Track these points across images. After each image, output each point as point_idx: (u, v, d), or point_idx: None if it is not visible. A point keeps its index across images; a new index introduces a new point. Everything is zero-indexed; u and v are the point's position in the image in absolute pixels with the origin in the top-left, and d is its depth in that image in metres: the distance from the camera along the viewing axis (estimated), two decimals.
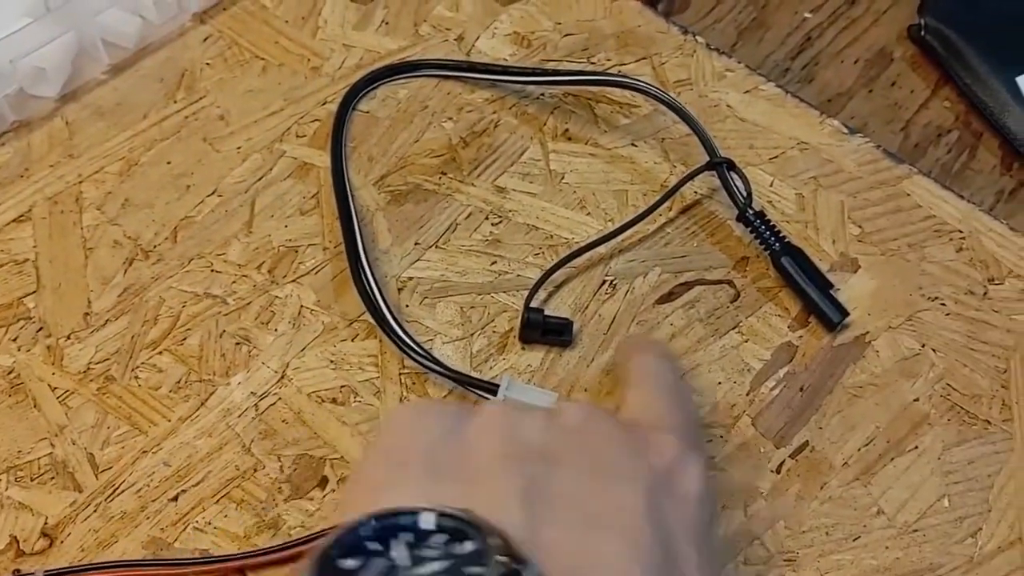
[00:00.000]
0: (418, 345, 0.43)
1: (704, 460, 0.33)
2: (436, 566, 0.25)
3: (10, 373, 0.42)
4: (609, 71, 0.52)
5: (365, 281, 0.44)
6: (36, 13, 0.51)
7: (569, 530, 0.29)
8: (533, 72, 0.51)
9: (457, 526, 0.26)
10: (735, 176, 0.46)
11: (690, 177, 0.47)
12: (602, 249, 0.46)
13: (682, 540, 0.30)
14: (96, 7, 0.51)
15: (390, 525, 0.26)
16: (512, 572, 0.25)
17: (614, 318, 0.45)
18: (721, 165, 0.46)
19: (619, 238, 0.46)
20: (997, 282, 0.46)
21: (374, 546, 0.26)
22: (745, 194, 0.46)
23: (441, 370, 0.42)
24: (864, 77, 0.55)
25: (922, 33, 0.55)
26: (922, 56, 0.56)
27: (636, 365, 0.39)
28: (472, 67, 0.52)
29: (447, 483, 0.30)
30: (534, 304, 0.44)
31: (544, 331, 0.43)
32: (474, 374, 0.43)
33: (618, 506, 0.30)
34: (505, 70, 0.51)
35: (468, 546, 0.26)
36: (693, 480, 0.32)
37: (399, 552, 0.26)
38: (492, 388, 0.41)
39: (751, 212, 0.45)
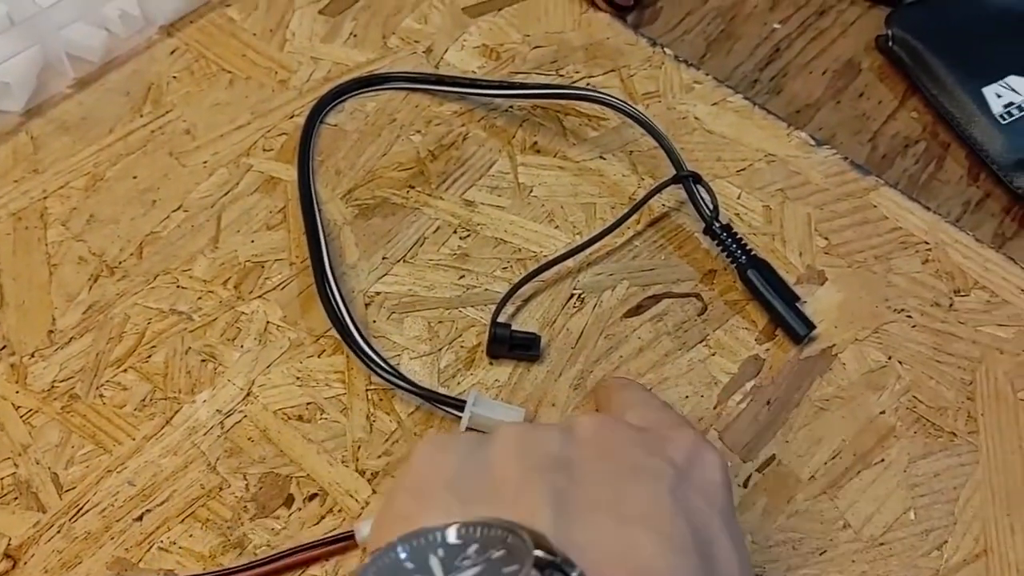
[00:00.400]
0: (385, 361, 0.42)
1: (717, 449, 0.34)
2: (472, 571, 0.25)
3: None
4: (577, 84, 0.52)
5: (331, 296, 0.44)
6: (0, 27, 0.51)
7: (602, 530, 0.29)
8: (501, 85, 0.51)
9: (487, 534, 0.26)
10: (701, 189, 0.46)
11: (657, 191, 0.47)
12: (570, 263, 0.46)
13: (712, 526, 0.31)
14: (61, 21, 0.51)
15: (421, 544, 0.26)
16: (549, 563, 0.25)
17: (582, 332, 0.45)
18: (687, 179, 0.46)
19: (587, 251, 0.46)
20: (963, 294, 0.46)
21: (410, 565, 0.26)
22: (712, 207, 0.46)
23: (408, 386, 0.42)
24: (832, 88, 0.55)
25: (890, 44, 0.56)
26: (890, 67, 0.56)
27: (621, 397, 0.39)
28: (440, 80, 0.52)
29: (475, 504, 0.30)
30: (502, 318, 0.44)
31: (511, 346, 0.43)
32: (441, 390, 0.42)
33: (646, 502, 0.30)
34: (473, 83, 0.51)
35: (501, 550, 0.26)
36: (713, 468, 0.33)
37: (435, 566, 0.26)
38: (459, 404, 0.41)
39: (718, 225, 0.45)
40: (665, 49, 0.55)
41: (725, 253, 0.45)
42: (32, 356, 0.43)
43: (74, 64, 0.52)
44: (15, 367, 0.43)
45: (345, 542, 0.38)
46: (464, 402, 0.41)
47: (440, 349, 0.44)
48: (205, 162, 0.49)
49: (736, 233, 0.45)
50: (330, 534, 0.39)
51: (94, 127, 0.50)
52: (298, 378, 0.43)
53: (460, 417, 0.41)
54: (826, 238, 0.48)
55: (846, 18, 0.58)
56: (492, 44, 0.55)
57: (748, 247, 0.45)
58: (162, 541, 0.39)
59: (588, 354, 0.44)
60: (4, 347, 0.43)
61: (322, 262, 0.45)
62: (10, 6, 0.51)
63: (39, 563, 0.38)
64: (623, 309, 0.45)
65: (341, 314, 0.43)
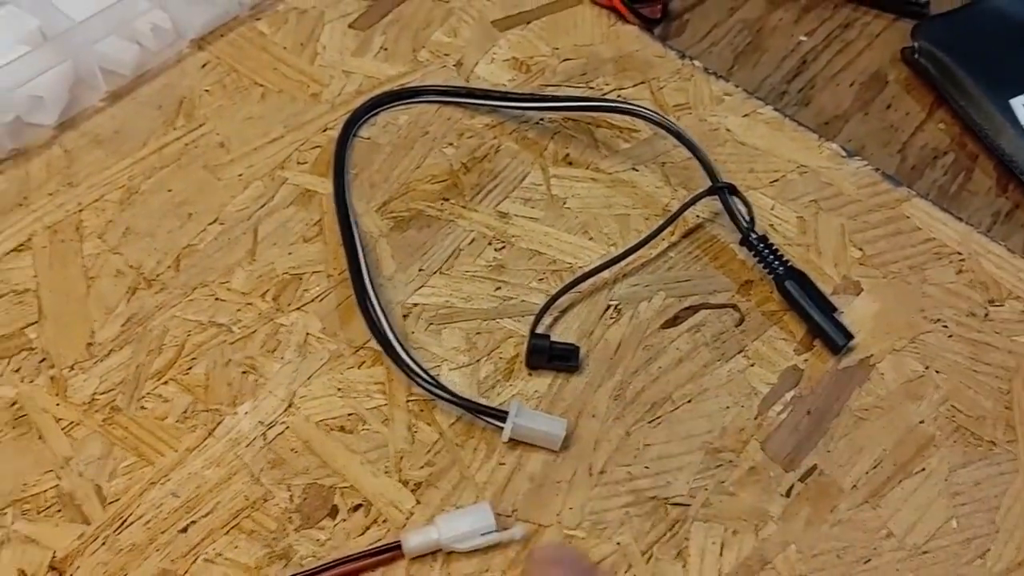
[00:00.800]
0: (426, 372, 0.42)
1: None
2: None
3: (13, 405, 0.42)
4: (608, 96, 0.53)
5: (371, 308, 0.44)
6: (33, 42, 0.51)
7: None
8: (533, 98, 0.51)
9: None
10: (737, 200, 0.47)
11: (693, 202, 0.47)
12: (606, 274, 0.46)
13: None
14: (93, 35, 0.51)
15: None
16: None
17: (620, 343, 0.45)
18: (723, 190, 0.47)
19: (622, 263, 0.47)
20: (997, 304, 0.46)
21: None
22: (748, 218, 0.46)
23: (449, 397, 0.42)
24: (860, 100, 0.55)
25: (916, 56, 0.56)
26: (916, 79, 0.56)
27: None
28: (472, 93, 0.52)
29: None
30: (539, 329, 0.44)
31: (551, 357, 0.43)
32: (482, 400, 0.42)
33: None
34: (505, 96, 0.52)
35: None
36: None
37: None
38: (501, 415, 0.41)
39: (754, 236, 0.46)
40: (694, 61, 0.55)
41: (762, 264, 0.46)
42: (72, 368, 0.43)
43: (106, 78, 0.52)
44: (55, 380, 0.43)
45: (392, 552, 0.38)
46: (506, 412, 0.41)
47: (479, 360, 0.44)
48: (240, 175, 0.50)
49: (772, 244, 0.46)
50: (376, 545, 0.39)
51: (127, 140, 0.51)
52: (339, 389, 0.43)
53: (502, 428, 0.41)
54: (860, 249, 0.48)
55: (871, 30, 0.59)
56: (522, 57, 0.55)
57: (785, 258, 0.45)
58: (207, 553, 0.39)
59: (627, 365, 0.44)
60: (43, 360, 0.43)
61: (360, 274, 0.45)
62: (43, 21, 0.52)
63: (85, 575, 0.38)
64: (660, 320, 0.45)
65: (381, 326, 0.43)
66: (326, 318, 0.45)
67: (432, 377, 0.42)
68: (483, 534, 0.38)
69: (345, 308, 0.45)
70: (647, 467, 0.41)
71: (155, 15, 0.53)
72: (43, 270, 0.46)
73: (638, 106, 0.49)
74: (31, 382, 0.43)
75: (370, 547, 0.38)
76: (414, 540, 0.38)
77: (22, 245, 0.47)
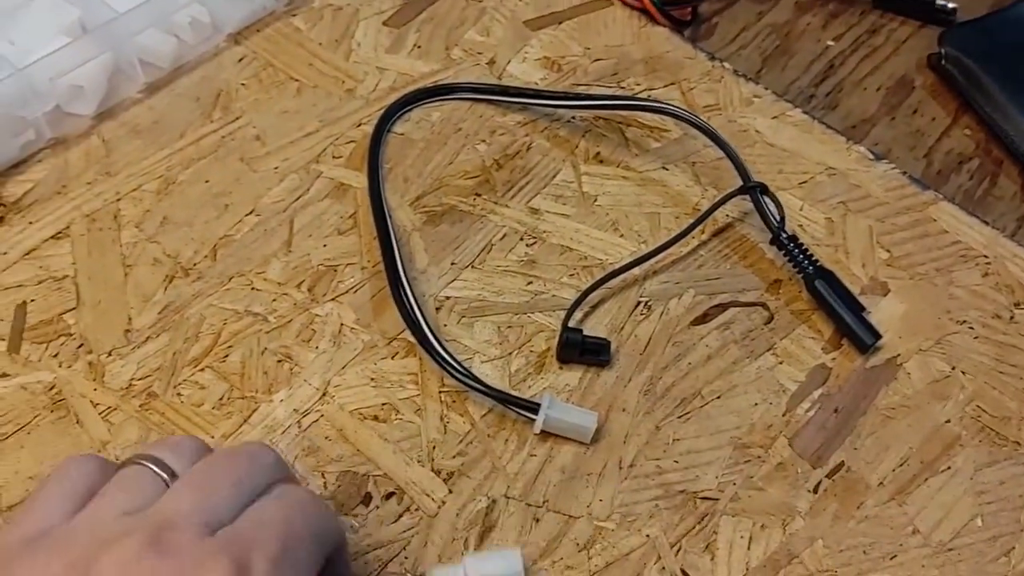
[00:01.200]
0: (459, 363, 0.43)
1: None
2: None
3: (52, 389, 0.43)
4: (639, 95, 0.53)
5: (406, 300, 0.44)
6: (73, 32, 0.52)
7: None
8: (567, 96, 0.52)
9: None
10: (767, 200, 0.47)
11: (724, 200, 0.47)
12: (636, 270, 0.47)
13: None
14: (134, 28, 0.52)
15: None
16: None
17: (650, 339, 0.45)
18: (755, 189, 0.47)
19: (653, 260, 0.47)
20: (1023, 307, 0.47)
21: None
22: (779, 218, 0.47)
23: (482, 388, 0.42)
24: (886, 104, 0.56)
25: (942, 62, 0.57)
26: (942, 84, 0.57)
27: None
28: (505, 91, 0.53)
29: None
30: (571, 324, 0.45)
31: (582, 351, 0.44)
32: (513, 392, 0.43)
33: None
34: (538, 93, 0.52)
35: None
36: None
37: None
38: (533, 407, 0.42)
39: (785, 235, 0.46)
40: (724, 63, 0.56)
41: (792, 263, 0.46)
42: (109, 355, 0.44)
43: (145, 70, 0.53)
44: (93, 365, 0.43)
45: None
46: (537, 404, 0.42)
47: (510, 353, 0.45)
48: (276, 168, 0.50)
49: (803, 243, 0.46)
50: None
51: (165, 131, 0.51)
52: (372, 379, 0.44)
53: (533, 420, 0.42)
54: (888, 250, 0.48)
55: (898, 36, 0.59)
56: (554, 56, 0.56)
57: (814, 257, 0.46)
58: None
59: (657, 360, 0.45)
60: (81, 346, 0.44)
61: (395, 266, 0.46)
62: (83, 12, 0.52)
63: None
64: (690, 317, 0.46)
65: (416, 317, 0.44)
66: (360, 309, 0.46)
67: (465, 369, 0.43)
68: None
69: (379, 300, 0.46)
70: (676, 461, 0.42)
71: (194, 9, 0.54)
72: (81, 257, 0.47)
73: (671, 105, 0.49)
74: (69, 367, 0.43)
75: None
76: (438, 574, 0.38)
77: (61, 233, 0.48)
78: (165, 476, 0.32)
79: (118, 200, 0.49)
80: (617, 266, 0.47)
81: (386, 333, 0.45)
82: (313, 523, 0.32)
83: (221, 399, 0.43)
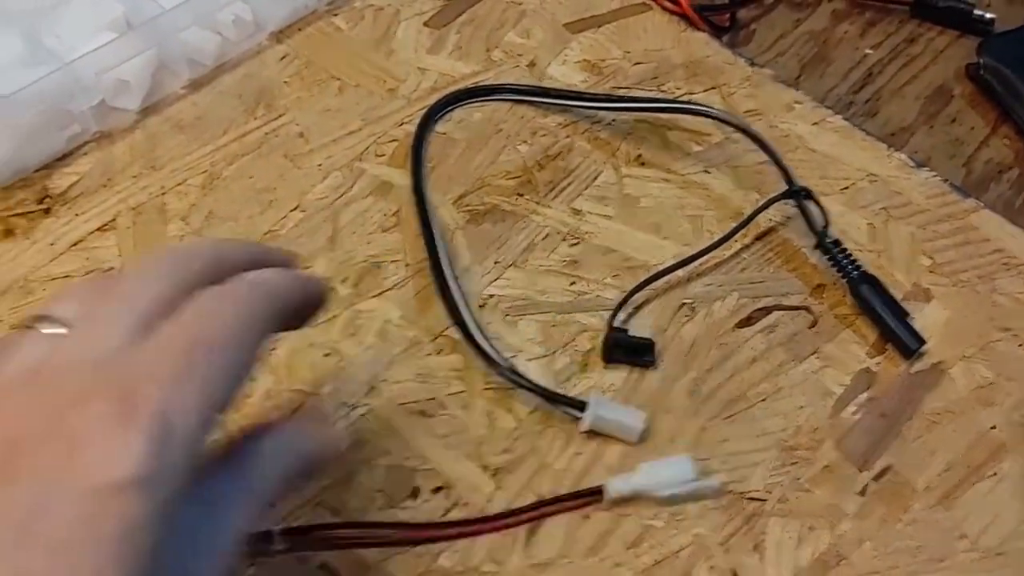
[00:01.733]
0: (505, 361, 0.43)
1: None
2: None
3: None
4: (681, 99, 0.53)
5: (452, 297, 0.45)
6: (118, 28, 0.52)
7: None
8: (609, 98, 0.52)
9: None
10: (811, 205, 0.47)
11: (769, 204, 0.48)
12: (680, 272, 0.47)
13: None
14: (178, 24, 0.52)
15: None
16: None
17: (694, 341, 0.45)
18: (799, 193, 0.47)
19: (696, 262, 0.47)
20: None
21: None
22: (823, 223, 0.47)
23: (529, 385, 0.42)
24: (925, 113, 0.56)
25: (981, 72, 0.57)
26: (980, 94, 0.57)
27: None
28: (547, 92, 0.53)
29: None
30: (615, 324, 0.45)
31: (628, 350, 0.44)
32: (559, 391, 0.43)
33: None
34: (580, 95, 0.53)
35: None
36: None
37: None
38: (580, 405, 0.42)
39: (829, 240, 0.46)
40: (764, 69, 0.56)
41: (836, 268, 0.46)
42: None
43: (188, 66, 0.53)
44: None
45: (593, 496, 0.40)
46: (584, 403, 0.42)
47: (554, 352, 0.45)
48: (319, 165, 0.50)
49: (846, 248, 0.46)
50: (578, 488, 0.40)
51: (209, 128, 0.52)
52: (418, 375, 0.44)
53: (579, 418, 0.42)
54: (931, 257, 0.48)
55: (936, 46, 0.60)
56: (594, 59, 0.56)
57: (858, 262, 0.46)
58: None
59: (702, 362, 0.45)
60: None
61: (440, 264, 0.46)
62: (128, 8, 0.53)
63: None
64: (734, 320, 0.46)
65: (462, 314, 0.44)
66: (404, 305, 0.46)
67: (511, 366, 0.43)
68: (683, 482, 0.39)
69: (423, 297, 0.46)
70: (723, 462, 0.42)
71: (237, 7, 0.54)
72: (127, 250, 0.47)
73: (715, 108, 0.49)
74: None
75: (572, 491, 0.40)
76: (616, 485, 0.39)
77: (107, 225, 0.48)
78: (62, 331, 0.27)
79: (163, 194, 0.49)
80: (661, 268, 0.47)
81: (431, 330, 0.45)
82: (242, 322, 0.27)
83: (268, 391, 0.43)
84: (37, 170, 0.49)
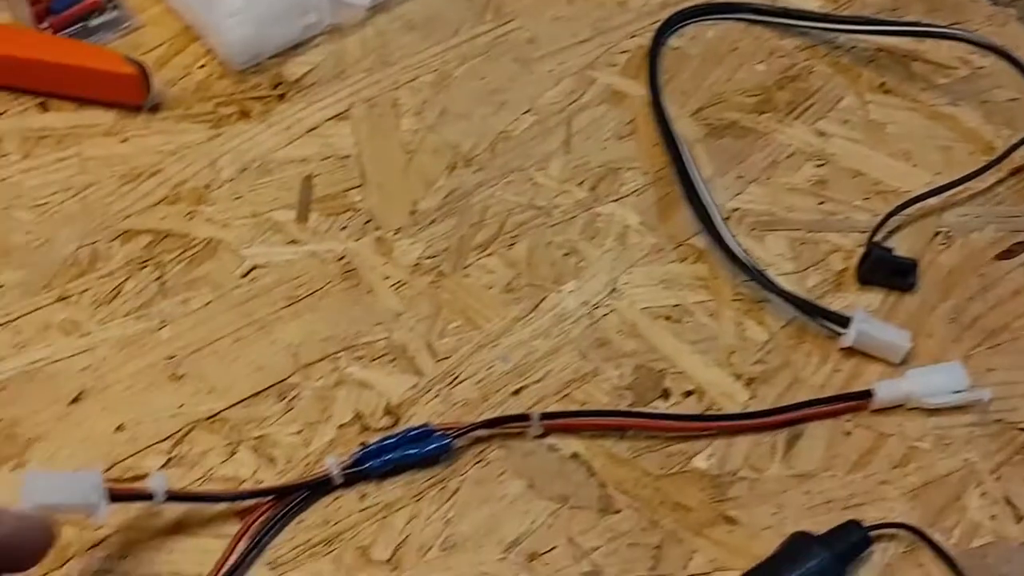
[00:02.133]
0: (759, 271, 0.41)
1: None
2: None
3: (341, 259, 0.42)
4: (939, 24, 0.51)
5: (703, 203, 0.43)
6: None
7: None
8: (856, 20, 0.50)
9: None
10: None
11: None
12: (933, 200, 0.45)
13: None
14: None
15: None
16: None
17: (952, 269, 0.43)
18: None
19: (949, 191, 0.45)
20: None
21: None
22: None
23: (789, 296, 0.40)
24: None
25: None
26: None
27: None
28: (787, 12, 0.51)
29: None
30: None
31: (889, 271, 0.42)
32: (820, 304, 0.41)
33: None
34: (826, 17, 0.50)
35: None
36: None
37: None
38: (842, 320, 0.40)
39: None
40: (1008, 9, 0.53)
41: None
42: (396, 233, 0.43)
43: None
44: (381, 241, 0.43)
45: (859, 400, 0.38)
46: (847, 318, 0.40)
47: (805, 269, 0.43)
48: (551, 71, 0.49)
49: None
50: (845, 391, 0.39)
51: (439, 28, 0.51)
52: (662, 281, 0.42)
53: (838, 334, 0.40)
54: None
55: None
56: None
57: None
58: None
59: (961, 291, 0.42)
60: (369, 221, 0.43)
61: (687, 172, 0.44)
62: None
63: (420, 422, 0.38)
64: (993, 251, 0.44)
65: (714, 221, 0.42)
66: (645, 212, 0.44)
67: (766, 275, 0.41)
68: (953, 392, 0.37)
69: (665, 204, 0.44)
70: (991, 390, 0.39)
71: None
72: (363, 140, 0.46)
73: (972, 32, 0.47)
74: (357, 240, 0.43)
75: (840, 392, 0.38)
76: (885, 390, 0.38)
77: (341, 114, 0.47)
78: None
79: (396, 89, 0.48)
80: (915, 194, 0.44)
81: (674, 237, 0.43)
82: None
83: (509, 284, 0.42)
84: (270, 57, 0.49)
